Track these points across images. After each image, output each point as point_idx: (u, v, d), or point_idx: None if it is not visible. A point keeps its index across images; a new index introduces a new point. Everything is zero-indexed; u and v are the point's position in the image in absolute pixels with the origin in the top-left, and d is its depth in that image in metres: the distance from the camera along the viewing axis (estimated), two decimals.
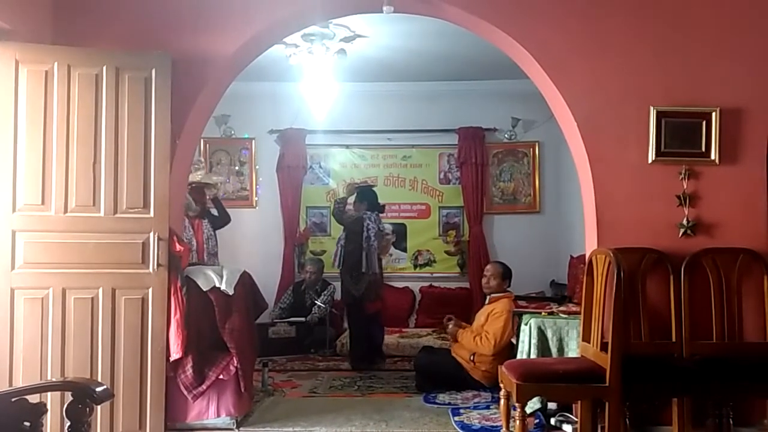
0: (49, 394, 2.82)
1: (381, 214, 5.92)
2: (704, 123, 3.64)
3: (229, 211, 7.10)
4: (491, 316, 4.70)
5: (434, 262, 7.37)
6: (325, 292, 6.50)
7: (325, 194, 7.36)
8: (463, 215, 7.32)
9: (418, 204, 7.38)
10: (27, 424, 2.03)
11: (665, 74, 3.70)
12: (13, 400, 2.06)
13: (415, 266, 7.37)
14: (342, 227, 5.85)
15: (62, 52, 3.55)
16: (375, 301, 5.75)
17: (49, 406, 2.17)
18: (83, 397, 2.09)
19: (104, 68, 3.53)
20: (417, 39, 5.66)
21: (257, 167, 7.36)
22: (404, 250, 7.37)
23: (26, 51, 3.48)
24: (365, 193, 5.89)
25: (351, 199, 5.95)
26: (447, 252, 7.36)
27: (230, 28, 3.83)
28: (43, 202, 3.48)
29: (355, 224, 5.71)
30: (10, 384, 3.33)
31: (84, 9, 3.82)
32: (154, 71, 3.56)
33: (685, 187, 3.67)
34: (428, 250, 7.39)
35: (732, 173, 3.67)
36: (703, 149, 3.65)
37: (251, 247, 7.10)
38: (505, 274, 4.92)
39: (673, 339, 3.50)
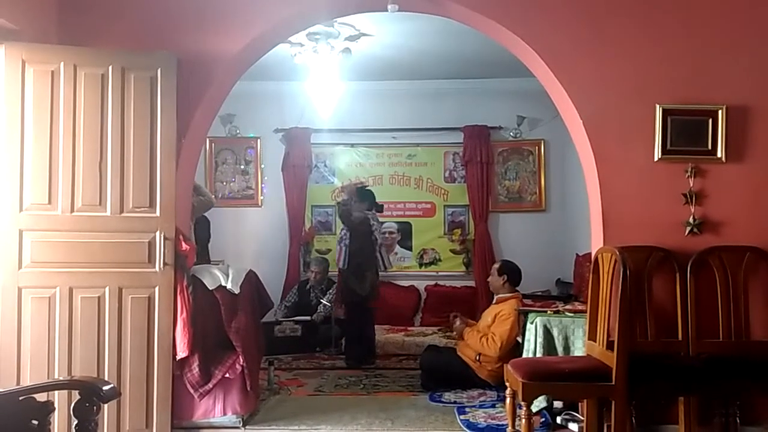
0: (56, 392, 2.83)
1: (380, 213, 5.97)
2: (710, 121, 3.63)
3: (235, 210, 7.19)
4: (498, 318, 4.68)
5: (439, 260, 7.36)
6: (331, 291, 6.51)
7: (330, 193, 7.36)
8: (468, 214, 7.31)
9: (424, 202, 7.38)
10: (35, 422, 2.04)
11: (671, 72, 3.69)
12: (20, 398, 2.08)
13: (421, 265, 7.36)
14: (344, 227, 5.85)
15: (68, 52, 3.56)
16: (376, 300, 5.78)
17: (56, 405, 2.18)
18: (90, 396, 2.10)
19: (110, 68, 3.54)
20: (422, 37, 5.66)
21: (262, 166, 7.37)
22: (409, 248, 7.37)
23: (33, 51, 3.49)
24: (365, 193, 5.91)
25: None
26: (452, 251, 7.35)
27: (235, 27, 3.83)
28: (49, 202, 3.49)
29: (362, 224, 5.74)
30: (18, 382, 3.34)
31: (90, 9, 3.83)
32: (159, 71, 3.57)
33: (691, 185, 3.65)
34: (433, 249, 7.38)
35: (738, 171, 3.65)
36: (710, 147, 3.64)
37: (257, 246, 7.12)
38: (502, 269, 4.90)
39: (680, 337, 3.49)
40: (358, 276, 5.66)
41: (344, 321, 6.01)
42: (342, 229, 5.87)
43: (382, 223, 6.39)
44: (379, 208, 5.91)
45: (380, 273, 5.95)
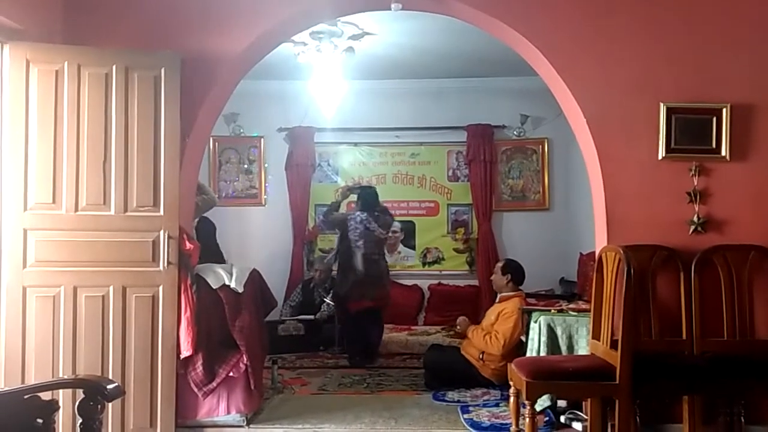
0: (60, 391, 2.84)
1: (377, 213, 5.90)
2: (715, 119, 3.62)
3: (239, 209, 7.22)
4: (501, 316, 4.67)
5: (443, 259, 7.35)
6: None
7: (333, 192, 7.35)
8: (471, 213, 7.30)
9: (427, 201, 7.37)
10: (39, 421, 2.05)
11: (675, 70, 3.68)
12: (25, 397, 2.08)
13: (424, 264, 7.35)
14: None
15: (72, 51, 3.57)
16: (360, 301, 5.72)
17: (60, 403, 2.18)
18: (95, 395, 2.11)
19: (114, 67, 3.55)
20: (425, 36, 5.65)
21: (266, 165, 7.37)
22: (413, 247, 7.36)
23: (37, 51, 3.50)
24: (360, 193, 5.98)
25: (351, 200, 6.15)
26: (456, 249, 7.34)
27: (239, 26, 3.83)
28: (54, 201, 3.50)
29: (341, 225, 5.87)
30: (23, 381, 3.35)
31: (94, 9, 3.84)
32: (163, 70, 3.57)
33: (695, 183, 3.65)
34: (437, 248, 7.37)
35: (743, 169, 3.64)
36: (714, 145, 3.63)
37: (260, 245, 7.12)
38: (506, 269, 4.87)
39: (684, 336, 3.48)
40: (341, 275, 5.82)
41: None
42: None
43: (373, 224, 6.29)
44: (371, 208, 5.85)
45: (378, 275, 5.89)
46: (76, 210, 3.52)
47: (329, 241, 7.35)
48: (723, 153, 3.63)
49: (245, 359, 3.81)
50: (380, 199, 6.08)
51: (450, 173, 7.37)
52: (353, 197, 6.16)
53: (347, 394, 4.73)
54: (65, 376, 3.35)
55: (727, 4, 3.70)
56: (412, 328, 6.70)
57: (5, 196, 3.47)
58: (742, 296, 3.49)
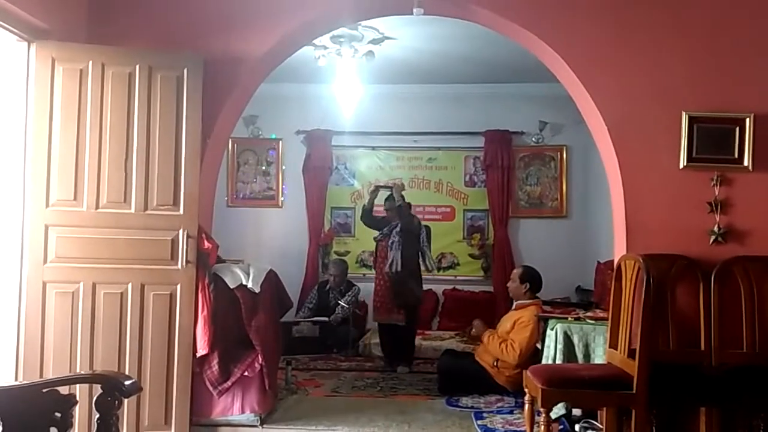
0: (77, 385, 2.87)
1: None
2: (737, 129, 3.58)
3: (256, 210, 7.26)
4: (518, 325, 4.65)
5: (458, 265, 7.34)
6: (350, 293, 6.51)
7: (349, 195, 7.39)
8: (488, 218, 7.28)
9: (443, 206, 7.36)
10: (58, 414, 2.06)
11: (698, 79, 3.65)
12: (44, 391, 2.10)
13: (439, 269, 7.33)
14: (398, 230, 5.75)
15: (97, 51, 3.61)
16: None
17: (77, 398, 2.20)
18: (113, 390, 2.12)
19: (137, 67, 3.58)
20: (445, 41, 5.66)
21: (284, 167, 7.41)
22: None
23: (62, 50, 3.54)
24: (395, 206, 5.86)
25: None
26: (471, 255, 7.32)
27: (261, 29, 3.86)
28: (75, 198, 3.54)
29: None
30: (41, 375, 3.39)
31: (118, 9, 3.88)
32: (186, 71, 3.60)
33: (716, 193, 3.61)
34: (452, 253, 7.36)
35: (765, 180, 3.59)
36: (736, 155, 3.59)
37: (276, 246, 7.16)
38: (524, 277, 4.85)
39: (702, 347, 3.44)
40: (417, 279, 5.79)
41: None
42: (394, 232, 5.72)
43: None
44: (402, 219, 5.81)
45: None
46: (97, 207, 3.55)
47: (344, 244, 7.37)
48: (745, 163, 3.58)
49: (260, 359, 3.82)
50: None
51: (467, 178, 7.36)
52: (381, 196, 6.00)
53: (361, 397, 4.74)
54: (83, 371, 3.38)
55: (750, 13, 3.66)
56: (426, 332, 6.69)
57: (28, 192, 3.51)
58: (762, 308, 3.44)
